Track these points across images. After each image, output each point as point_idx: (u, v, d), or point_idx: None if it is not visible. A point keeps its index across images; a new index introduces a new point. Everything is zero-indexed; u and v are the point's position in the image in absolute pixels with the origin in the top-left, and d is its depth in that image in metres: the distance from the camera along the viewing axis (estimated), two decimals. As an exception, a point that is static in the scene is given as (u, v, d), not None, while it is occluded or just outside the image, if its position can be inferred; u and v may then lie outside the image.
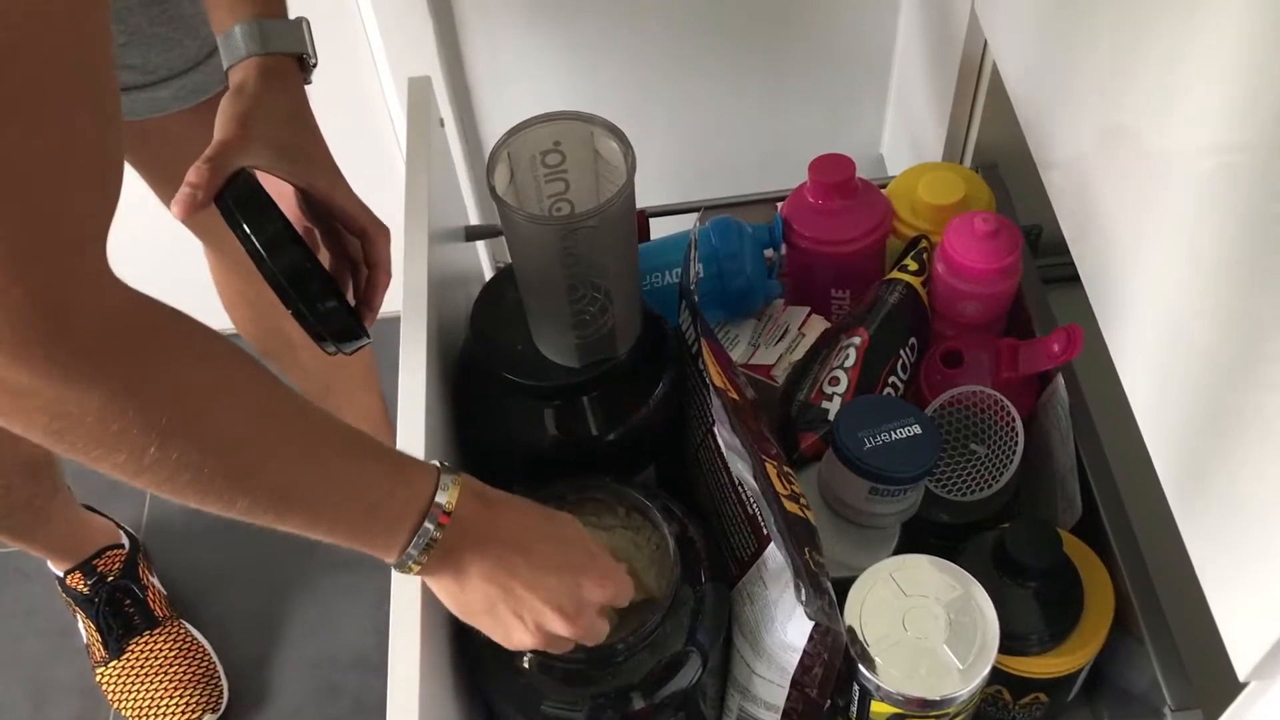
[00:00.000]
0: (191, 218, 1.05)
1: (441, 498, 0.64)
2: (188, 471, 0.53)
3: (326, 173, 0.79)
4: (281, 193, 0.78)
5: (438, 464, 0.67)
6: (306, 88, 0.81)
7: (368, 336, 0.79)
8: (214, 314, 1.22)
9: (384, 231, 0.81)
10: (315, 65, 0.80)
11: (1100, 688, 0.91)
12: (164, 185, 1.01)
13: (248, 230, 0.71)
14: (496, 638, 0.70)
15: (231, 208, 0.71)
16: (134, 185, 1.02)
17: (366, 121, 1.34)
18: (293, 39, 0.78)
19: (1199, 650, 0.78)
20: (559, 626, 0.69)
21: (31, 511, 1.25)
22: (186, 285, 1.22)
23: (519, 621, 0.68)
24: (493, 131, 1.35)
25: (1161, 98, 0.68)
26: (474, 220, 1.38)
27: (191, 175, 0.70)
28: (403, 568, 0.65)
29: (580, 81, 1.32)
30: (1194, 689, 0.80)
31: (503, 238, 1.30)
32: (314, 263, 0.77)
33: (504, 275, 0.93)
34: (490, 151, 0.77)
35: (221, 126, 0.74)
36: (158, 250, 1.32)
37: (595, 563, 0.72)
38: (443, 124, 1.01)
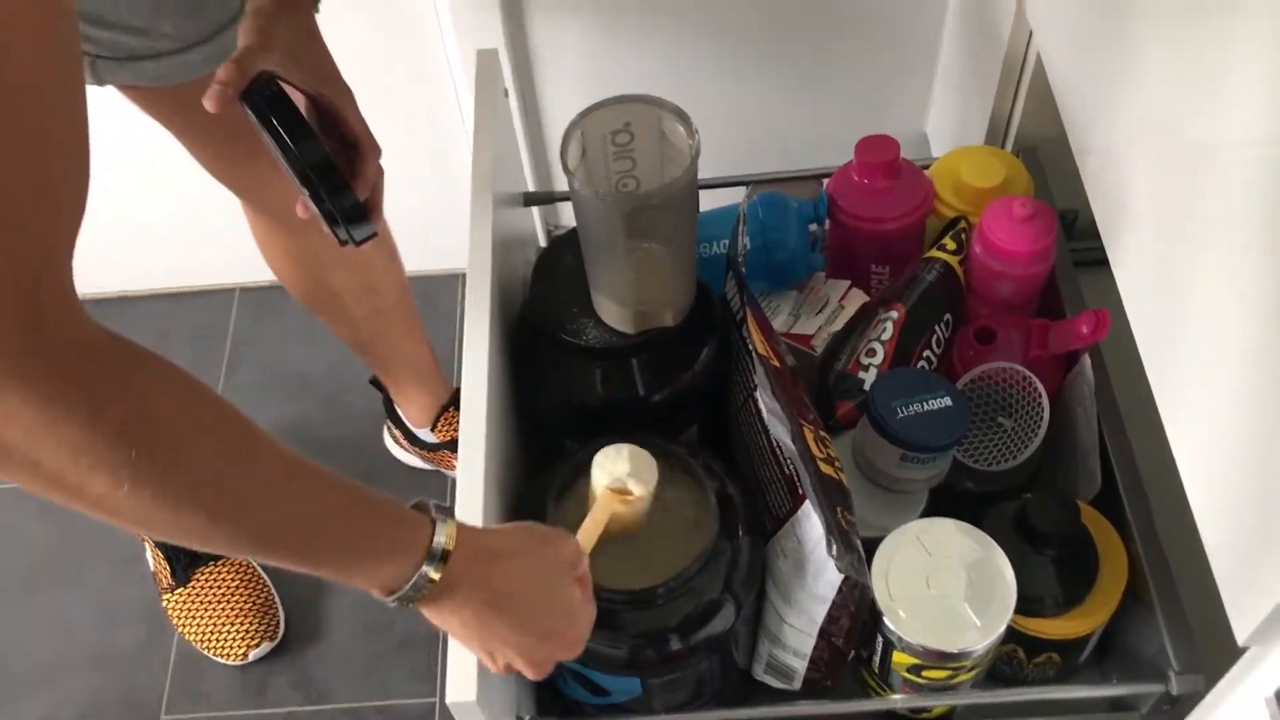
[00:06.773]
0: (231, 177, 1.08)
1: (439, 542, 0.65)
2: (164, 510, 0.52)
3: (334, 84, 0.85)
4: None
5: (432, 510, 0.67)
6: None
7: (376, 229, 0.84)
8: (261, 268, 1.26)
9: (376, 149, 0.86)
10: None
11: (1111, 651, 0.95)
12: (203, 147, 1.06)
13: (275, 122, 0.76)
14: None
15: (259, 103, 0.76)
16: (178, 153, 1.06)
17: (432, 90, 1.38)
18: None
19: (1206, 619, 0.80)
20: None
21: None
22: (237, 244, 1.28)
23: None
24: (550, 102, 1.39)
25: (1202, 89, 0.69)
26: (530, 187, 1.43)
27: (220, 73, 0.76)
28: (400, 601, 0.66)
29: (633, 55, 1.35)
30: (1199, 655, 0.83)
31: (556, 204, 1.35)
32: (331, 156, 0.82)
33: (561, 241, 0.97)
34: (565, 129, 0.81)
35: (244, 35, 0.80)
36: (202, 211, 1.37)
37: (573, 628, 0.74)
38: (507, 94, 1.05)
